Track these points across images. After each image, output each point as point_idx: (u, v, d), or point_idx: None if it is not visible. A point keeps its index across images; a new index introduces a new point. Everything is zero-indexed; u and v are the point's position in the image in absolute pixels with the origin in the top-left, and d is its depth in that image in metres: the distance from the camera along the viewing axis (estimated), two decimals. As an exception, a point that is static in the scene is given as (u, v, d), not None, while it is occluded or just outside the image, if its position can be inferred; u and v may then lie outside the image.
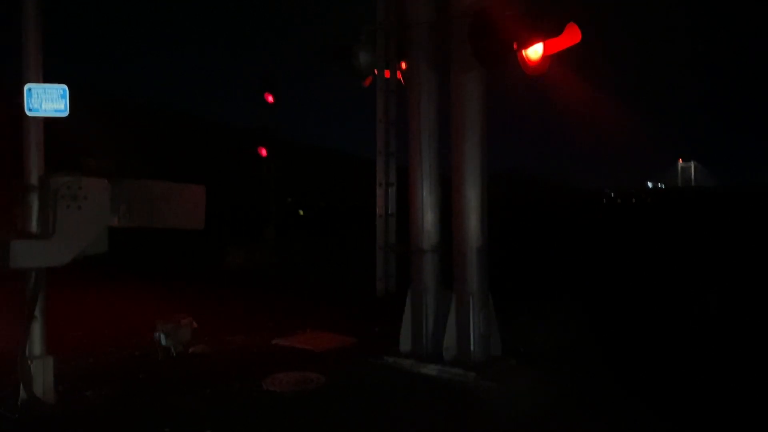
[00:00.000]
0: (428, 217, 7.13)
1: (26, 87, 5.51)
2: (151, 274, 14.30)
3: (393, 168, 7.48)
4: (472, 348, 6.77)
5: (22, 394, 5.57)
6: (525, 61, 6.53)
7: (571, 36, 6.36)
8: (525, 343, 7.51)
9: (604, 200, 74.13)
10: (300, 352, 7.80)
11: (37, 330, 5.68)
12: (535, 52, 6.53)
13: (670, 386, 6.31)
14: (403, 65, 7.43)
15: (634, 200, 78.77)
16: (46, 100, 5.53)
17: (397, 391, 6.41)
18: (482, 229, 6.93)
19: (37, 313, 5.64)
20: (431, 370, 6.79)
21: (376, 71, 7.39)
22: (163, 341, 7.54)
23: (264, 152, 19.00)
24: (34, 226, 5.57)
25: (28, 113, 5.53)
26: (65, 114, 5.62)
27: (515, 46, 6.39)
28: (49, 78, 5.61)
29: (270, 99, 18.65)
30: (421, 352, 7.08)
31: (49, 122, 5.65)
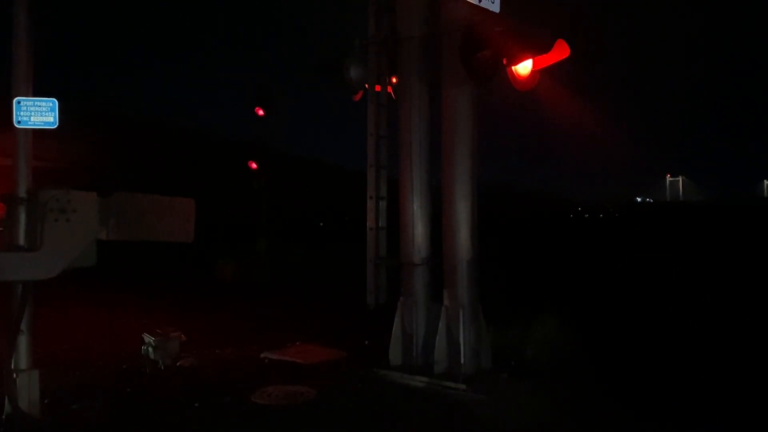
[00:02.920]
0: (419, 230, 7.13)
1: (15, 100, 5.49)
2: (140, 286, 14.19)
3: (384, 181, 7.49)
4: (462, 361, 6.75)
5: (7, 408, 5.49)
6: (514, 77, 6.59)
7: (560, 52, 6.43)
8: (516, 356, 7.49)
9: (571, 215, 74.74)
10: (290, 365, 7.73)
11: (23, 343, 5.60)
12: (524, 67, 6.60)
13: (663, 397, 6.31)
14: (394, 79, 7.47)
15: (601, 215, 79.95)
16: (36, 113, 5.51)
17: (387, 404, 6.36)
18: (472, 242, 6.93)
19: (23, 326, 5.57)
20: (421, 383, 6.75)
21: (367, 85, 7.42)
22: (151, 354, 7.46)
23: (254, 165, 18.99)
24: (21, 238, 5.52)
25: (17, 126, 5.50)
26: (54, 126, 5.60)
27: (504, 62, 6.45)
28: (39, 89, 5.59)
29: (260, 112, 18.67)
30: (411, 365, 7.05)
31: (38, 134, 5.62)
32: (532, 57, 6.51)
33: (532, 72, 6.63)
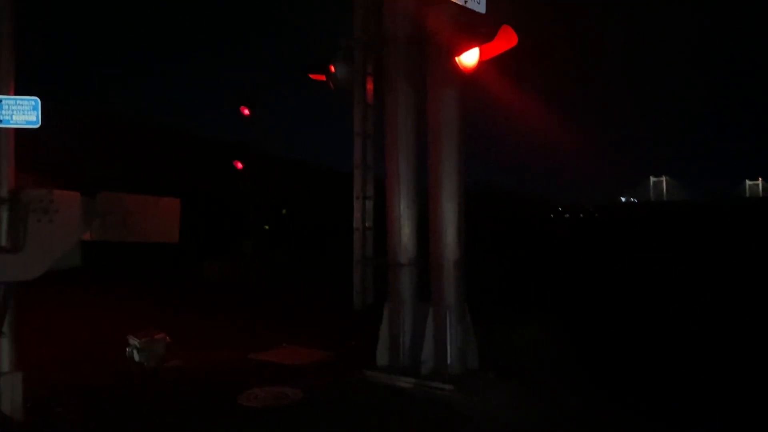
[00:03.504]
0: (406, 231, 7.12)
1: (-3, 98, 5.40)
2: (125, 287, 14.07)
3: (370, 181, 7.49)
4: (449, 361, 6.75)
5: (-11, 411, 5.40)
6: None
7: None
8: (503, 356, 7.50)
9: (552, 215, 75.34)
10: (277, 366, 7.70)
11: (5, 345, 5.51)
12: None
13: (652, 396, 6.35)
14: (381, 80, 7.46)
15: (581, 215, 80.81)
16: (18, 111, 5.42)
17: (374, 405, 6.35)
18: (459, 242, 6.94)
19: (5, 328, 5.48)
20: (408, 383, 6.74)
21: (353, 85, 7.41)
22: (137, 356, 7.39)
23: (239, 165, 18.91)
24: (3, 239, 5.44)
25: (-2, 124, 5.41)
26: (37, 125, 5.52)
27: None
28: (22, 89, 5.51)
29: (246, 112, 18.59)
30: (398, 366, 7.04)
31: (21, 134, 5.54)
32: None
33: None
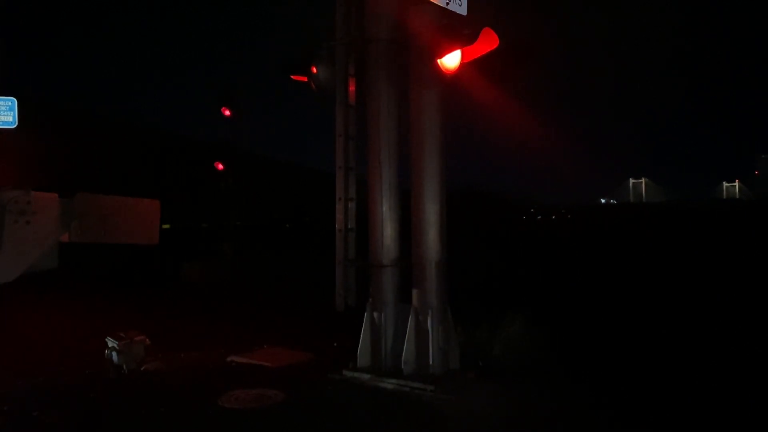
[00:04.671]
0: (388, 232, 7.13)
1: (-28, 98, 5.33)
2: (103, 289, 13.91)
3: (353, 183, 7.46)
4: (431, 361, 6.78)
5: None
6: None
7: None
8: (484, 356, 7.55)
9: (524, 217, 76.13)
10: (257, 368, 7.66)
11: (-19, 349, 5.44)
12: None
13: (627, 394, 6.43)
14: (363, 81, 7.46)
15: (554, 216, 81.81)
16: (-6, 111, 5.36)
17: (355, 405, 6.35)
18: (441, 243, 6.97)
19: (-19, 331, 5.41)
20: (390, 384, 6.75)
21: (335, 86, 7.39)
22: (115, 359, 7.31)
23: (220, 166, 18.79)
24: (-21, 240, 5.36)
25: (-26, 124, 5.34)
26: (13, 126, 5.46)
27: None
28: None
29: (227, 113, 18.49)
30: (380, 367, 7.05)
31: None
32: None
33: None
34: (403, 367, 6.83)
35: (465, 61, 6.73)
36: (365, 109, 7.31)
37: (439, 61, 6.70)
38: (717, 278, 15.35)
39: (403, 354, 6.84)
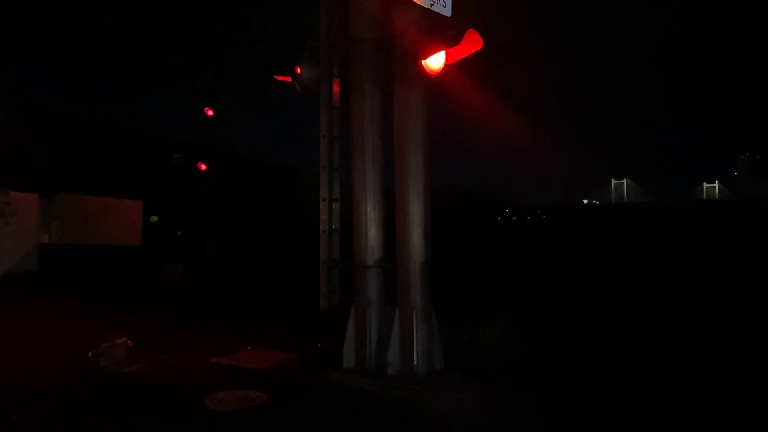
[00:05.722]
0: (372, 233, 7.13)
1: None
2: (86, 291, 13.75)
3: (337, 183, 7.47)
4: (415, 362, 6.78)
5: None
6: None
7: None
8: (468, 356, 7.57)
9: (499, 217, 76.59)
10: (241, 370, 7.63)
11: (-41, 352, 5.35)
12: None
13: (609, 391, 6.49)
14: (347, 81, 7.46)
15: (529, 217, 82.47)
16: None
17: (340, 407, 6.34)
18: (425, 244, 6.98)
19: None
20: (374, 385, 6.75)
21: (319, 86, 7.39)
22: (98, 361, 7.23)
23: (203, 167, 18.66)
24: (-43, 242, 5.28)
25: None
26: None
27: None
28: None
29: (210, 113, 18.37)
30: (364, 368, 7.04)
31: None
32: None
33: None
34: (387, 367, 6.82)
35: (449, 62, 6.75)
36: (350, 110, 7.31)
37: (423, 62, 6.72)
38: (697, 277, 15.56)
39: (388, 355, 6.84)
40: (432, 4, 6.68)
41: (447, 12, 6.83)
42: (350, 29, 7.22)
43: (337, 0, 7.30)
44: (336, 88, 7.41)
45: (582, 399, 6.28)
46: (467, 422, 5.85)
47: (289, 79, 7.58)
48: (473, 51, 6.54)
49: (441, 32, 6.62)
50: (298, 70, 7.32)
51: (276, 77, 7.87)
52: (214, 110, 18.37)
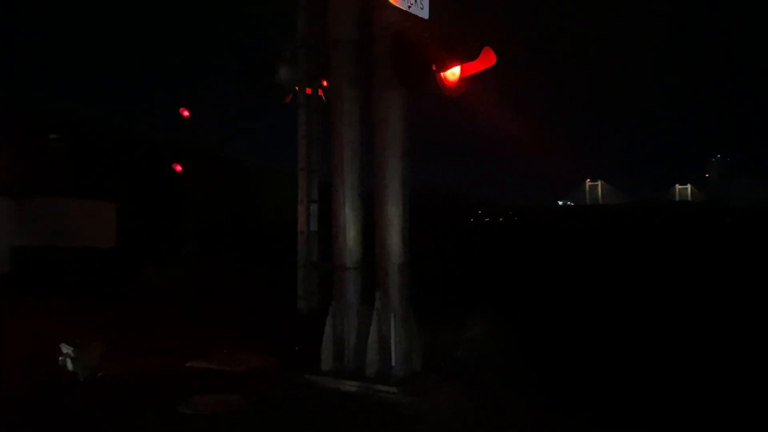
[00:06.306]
0: (351, 234, 7.10)
1: None
2: (59, 294, 13.48)
3: (315, 185, 7.43)
4: (393, 364, 6.77)
5: None
6: (443, 82, 6.69)
7: (487, 59, 6.59)
8: (447, 358, 7.58)
9: (472, 219, 77.31)
10: (218, 373, 7.54)
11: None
12: (452, 73, 6.71)
13: (590, 390, 6.54)
14: (326, 82, 7.42)
15: (501, 219, 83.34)
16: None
17: (318, 409, 6.30)
18: (404, 246, 6.97)
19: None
20: (353, 387, 6.73)
21: (297, 88, 7.34)
22: (70, 366, 7.09)
23: (179, 168, 18.48)
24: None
25: None
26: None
27: (434, 68, 6.54)
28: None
29: (185, 113, 18.21)
30: (342, 370, 7.01)
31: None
32: (460, 64, 6.64)
33: (461, 78, 6.75)
34: (366, 369, 6.81)
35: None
36: (329, 111, 7.28)
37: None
38: (670, 274, 15.81)
39: (366, 357, 6.83)
40: (410, 6, 6.68)
41: (425, 14, 6.84)
42: (329, 30, 7.19)
43: (317, 1, 7.26)
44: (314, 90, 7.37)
45: (564, 399, 6.31)
46: (446, 423, 5.85)
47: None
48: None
49: (418, 36, 6.62)
50: (277, 72, 7.29)
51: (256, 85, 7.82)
52: (189, 111, 18.21)
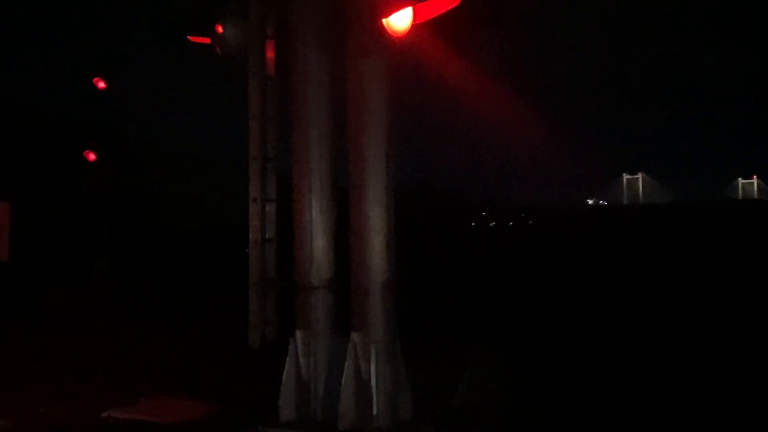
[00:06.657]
0: (319, 243, 7.09)
1: None
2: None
3: (272, 179, 7.41)
4: (375, 412, 6.76)
5: None
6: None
7: None
8: (443, 403, 7.60)
9: (473, 224, 79.00)
10: (143, 426, 7.51)
11: None
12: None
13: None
14: (285, 44, 7.41)
15: (511, 223, 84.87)
16: None
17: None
18: (389, 258, 6.95)
19: None
20: (322, 443, 6.73)
21: (248, 52, 7.34)
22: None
23: (92, 156, 18.34)
24: None
25: None
26: None
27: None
28: None
29: (101, 84, 18.10)
30: (308, 420, 7.00)
31: None
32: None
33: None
34: (339, 421, 6.79)
35: (417, 21, 6.78)
36: (289, 82, 7.26)
37: (384, 21, 6.72)
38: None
39: (339, 403, 6.81)
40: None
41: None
42: (290, -25, 7.18)
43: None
44: (271, 53, 7.35)
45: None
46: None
47: (208, 40, 7.50)
48: (448, 8, 6.58)
49: None
50: (220, 29, 7.26)
51: (191, 38, 7.78)
52: (106, 81, 18.11)
